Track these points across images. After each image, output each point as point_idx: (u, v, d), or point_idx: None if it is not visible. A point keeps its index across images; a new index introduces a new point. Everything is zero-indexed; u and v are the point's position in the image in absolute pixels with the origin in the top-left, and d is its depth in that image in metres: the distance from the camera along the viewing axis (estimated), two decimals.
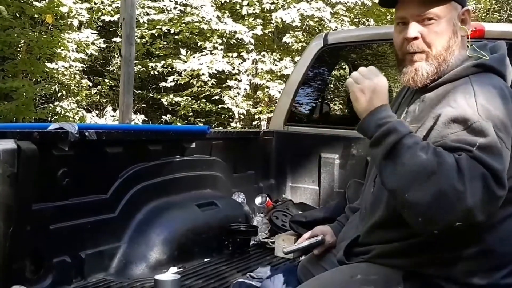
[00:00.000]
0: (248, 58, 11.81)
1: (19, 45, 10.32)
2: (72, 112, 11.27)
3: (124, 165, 3.05)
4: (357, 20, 13.05)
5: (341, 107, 8.07)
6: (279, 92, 10.54)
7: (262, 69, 11.74)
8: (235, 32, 11.39)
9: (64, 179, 2.64)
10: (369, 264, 1.89)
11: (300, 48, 11.59)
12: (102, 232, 2.87)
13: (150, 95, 13.29)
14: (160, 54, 12.29)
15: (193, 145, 3.56)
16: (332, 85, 8.14)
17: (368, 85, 1.81)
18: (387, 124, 1.70)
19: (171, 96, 12.49)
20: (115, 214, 2.96)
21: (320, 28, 11.97)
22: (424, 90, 1.91)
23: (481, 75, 1.81)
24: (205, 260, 3.27)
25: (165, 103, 12.52)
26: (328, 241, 2.28)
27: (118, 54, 11.20)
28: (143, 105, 13.36)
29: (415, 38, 1.88)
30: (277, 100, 8.18)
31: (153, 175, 3.23)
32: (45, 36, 10.19)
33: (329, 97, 7.00)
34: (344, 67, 6.61)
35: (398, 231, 1.81)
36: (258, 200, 3.97)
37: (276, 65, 11.71)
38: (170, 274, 2.75)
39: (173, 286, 2.57)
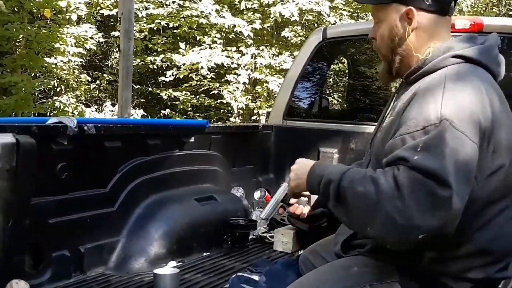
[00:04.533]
0: (247, 53, 11.80)
1: (18, 40, 10.31)
2: (71, 107, 11.27)
3: (123, 159, 3.05)
4: (356, 14, 13.03)
5: (340, 101, 8.06)
6: (278, 86, 10.54)
7: (261, 63, 11.73)
8: (234, 26, 11.37)
9: (63, 173, 2.64)
10: (364, 257, 1.90)
11: (299, 42, 11.59)
12: (102, 226, 2.88)
13: (149, 89, 13.28)
14: (159, 50, 12.27)
15: (192, 139, 3.55)
16: (331, 80, 8.14)
17: (292, 168, 2.06)
18: (323, 178, 1.82)
19: (170, 90, 12.48)
20: (114, 209, 2.96)
21: (319, 22, 11.96)
22: (408, 83, 1.92)
23: (460, 66, 1.80)
24: (204, 254, 3.28)
25: (164, 97, 12.51)
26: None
27: (117, 48, 11.19)
28: (142, 100, 13.36)
29: (373, 38, 2.01)
30: (276, 95, 8.17)
31: (152, 170, 3.23)
32: (43, 31, 10.18)
33: (327, 92, 6.99)
34: (343, 61, 6.61)
35: None
36: (257, 195, 3.98)
37: (275, 59, 11.71)
38: (169, 268, 2.75)
39: (172, 280, 2.58)
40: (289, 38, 11.96)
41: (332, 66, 6.31)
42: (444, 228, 1.58)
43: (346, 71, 6.56)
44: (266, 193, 3.97)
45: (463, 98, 1.67)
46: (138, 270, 2.90)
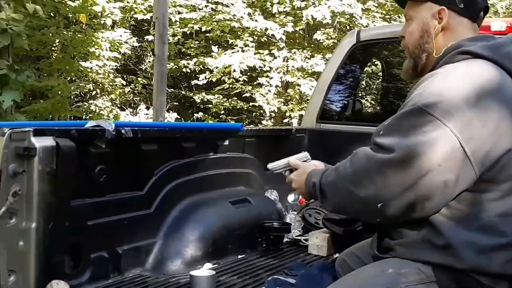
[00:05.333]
0: (279, 56, 11.80)
1: (54, 45, 10.47)
2: (106, 110, 11.42)
3: (160, 162, 3.08)
4: (388, 16, 12.94)
5: (374, 104, 8.02)
6: (310, 89, 10.53)
7: (293, 66, 11.74)
8: (266, 29, 11.39)
9: (101, 176, 2.68)
10: (400, 258, 1.89)
11: (331, 45, 11.56)
12: (139, 228, 2.91)
13: (183, 93, 13.38)
14: (192, 54, 12.37)
15: (226, 142, 3.57)
16: (364, 82, 8.10)
17: (295, 174, 2.23)
18: (311, 184, 2.02)
19: (203, 94, 12.56)
20: (151, 211, 2.99)
21: (351, 25, 11.91)
22: None
23: (468, 61, 1.84)
24: (239, 256, 3.29)
25: (197, 101, 12.60)
26: (315, 165, 2.26)
27: (151, 52, 11.30)
28: (175, 103, 13.47)
29: (402, 37, 2.09)
30: (308, 98, 8.16)
31: (188, 172, 3.26)
32: (79, 36, 10.33)
33: (361, 95, 6.97)
34: (376, 64, 6.58)
35: (418, 227, 1.82)
36: (290, 198, 3.97)
37: (307, 62, 11.70)
38: (206, 270, 2.77)
39: (208, 282, 2.60)
40: (321, 41, 11.94)
41: (365, 69, 6.27)
42: (403, 197, 1.69)
43: (380, 73, 6.53)
44: (300, 196, 3.96)
45: (449, 87, 1.74)
46: (175, 271, 2.93)
